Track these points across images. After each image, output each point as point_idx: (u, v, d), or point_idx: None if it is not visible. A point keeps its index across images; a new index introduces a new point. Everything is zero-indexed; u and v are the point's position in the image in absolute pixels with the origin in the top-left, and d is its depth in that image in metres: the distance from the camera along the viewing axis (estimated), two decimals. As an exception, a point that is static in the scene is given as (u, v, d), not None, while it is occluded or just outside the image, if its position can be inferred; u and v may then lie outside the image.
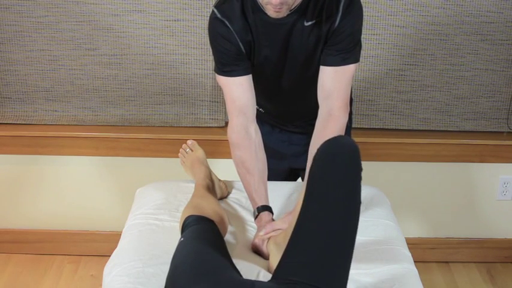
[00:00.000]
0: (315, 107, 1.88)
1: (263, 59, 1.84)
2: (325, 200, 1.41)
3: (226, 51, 1.81)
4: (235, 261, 1.61)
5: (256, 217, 1.82)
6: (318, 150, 1.45)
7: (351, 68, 1.80)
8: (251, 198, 1.84)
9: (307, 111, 2.01)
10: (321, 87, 1.82)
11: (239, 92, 1.83)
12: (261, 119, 2.04)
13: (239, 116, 1.84)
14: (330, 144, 1.44)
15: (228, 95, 1.85)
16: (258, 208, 1.81)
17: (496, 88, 2.75)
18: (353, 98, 2.16)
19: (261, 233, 1.75)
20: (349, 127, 2.16)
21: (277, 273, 1.46)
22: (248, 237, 1.83)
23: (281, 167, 2.20)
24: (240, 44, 1.79)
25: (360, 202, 1.43)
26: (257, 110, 1.96)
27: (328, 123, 1.81)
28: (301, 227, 1.42)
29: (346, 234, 1.41)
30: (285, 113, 2.09)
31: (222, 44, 1.81)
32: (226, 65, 1.82)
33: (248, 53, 1.82)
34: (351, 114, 2.10)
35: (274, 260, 1.60)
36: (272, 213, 1.82)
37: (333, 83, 1.80)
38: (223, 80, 1.84)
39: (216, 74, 1.86)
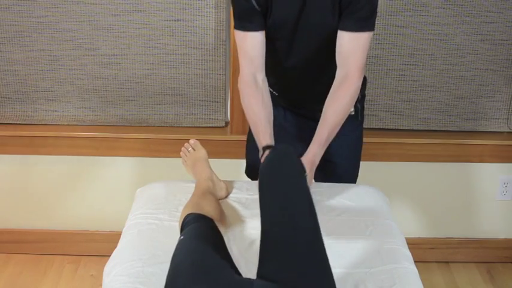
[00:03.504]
0: (324, 86, 1.96)
1: (278, 19, 1.91)
2: (275, 205, 1.54)
3: (241, 8, 1.92)
4: (234, 260, 1.61)
5: (262, 156, 1.91)
6: (261, 165, 1.62)
7: (367, 35, 1.90)
8: (258, 139, 1.95)
9: (317, 89, 2.03)
10: (338, 52, 1.92)
11: (251, 44, 1.95)
12: (274, 102, 2.06)
13: (249, 65, 1.95)
14: (268, 155, 1.65)
15: (242, 48, 1.96)
16: (263, 147, 1.90)
17: (496, 88, 2.75)
18: (367, 77, 2.22)
19: None
20: (360, 122, 2.22)
21: (260, 273, 1.50)
22: (248, 236, 1.83)
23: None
24: (254, 2, 1.89)
25: (310, 197, 1.54)
26: (270, 92, 2.04)
27: (342, 85, 1.92)
28: (264, 234, 1.51)
29: (307, 230, 1.49)
30: (296, 91, 2.10)
31: (239, 1, 1.93)
32: (242, 21, 1.94)
33: (264, 11, 1.92)
34: (363, 98, 2.18)
35: None
36: None
37: (349, 48, 1.90)
38: (239, 35, 1.96)
39: (234, 30, 1.98)
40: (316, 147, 1.92)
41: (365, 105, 2.75)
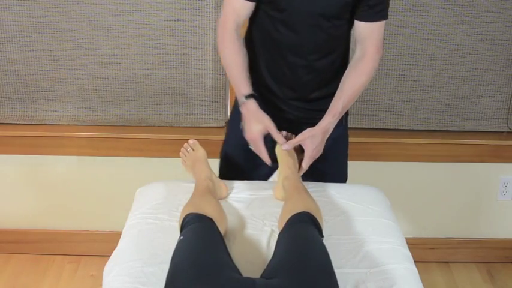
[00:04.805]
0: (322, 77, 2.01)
1: None
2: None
3: None
4: (234, 259, 1.61)
5: (242, 104, 1.96)
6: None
7: (382, 23, 1.97)
8: (237, 88, 1.98)
9: (313, 81, 2.04)
10: (355, 37, 2.00)
11: (240, 3, 1.96)
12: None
13: (234, 16, 1.96)
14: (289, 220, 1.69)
15: (229, 4, 1.97)
16: (245, 96, 1.94)
17: (496, 88, 2.75)
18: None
19: (285, 145, 1.94)
20: (345, 127, 2.21)
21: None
22: (248, 236, 1.83)
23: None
24: None
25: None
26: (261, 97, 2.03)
27: (360, 62, 1.97)
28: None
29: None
30: (290, 82, 2.08)
31: None
32: None
33: None
34: None
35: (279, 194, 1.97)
36: (257, 101, 1.95)
37: (366, 33, 1.96)
38: None
39: None
40: (330, 117, 1.96)
41: (365, 106, 2.77)
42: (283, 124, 2.04)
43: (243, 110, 1.97)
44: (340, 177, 2.28)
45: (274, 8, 1.94)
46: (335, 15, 1.93)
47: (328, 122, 1.95)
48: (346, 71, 2.00)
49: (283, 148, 1.95)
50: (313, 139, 1.93)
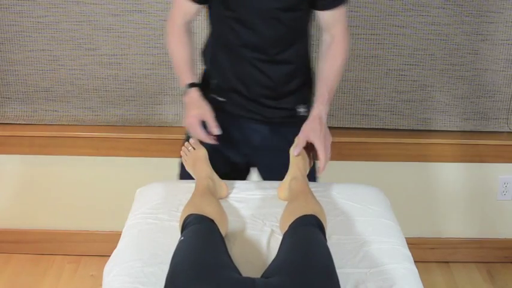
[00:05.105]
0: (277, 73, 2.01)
1: None
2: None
3: None
4: (235, 260, 1.61)
5: (185, 93, 2.02)
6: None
7: (344, 7, 2.00)
8: (181, 78, 2.05)
9: (279, 75, 2.03)
10: (320, 25, 2.02)
11: (187, 4, 2.00)
12: (221, 108, 2.07)
13: (182, 15, 2.03)
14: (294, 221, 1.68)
15: (177, 3, 2.02)
16: (188, 85, 2.01)
17: (496, 88, 2.75)
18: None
19: (295, 150, 1.94)
20: None
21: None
22: (248, 236, 1.83)
23: (238, 161, 2.21)
24: None
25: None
26: (215, 98, 2.06)
27: (332, 47, 2.00)
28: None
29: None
30: (256, 80, 2.06)
31: None
32: None
33: None
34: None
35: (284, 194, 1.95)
36: (200, 91, 2.01)
37: (331, 20, 2.00)
38: None
39: None
40: (319, 104, 1.96)
41: (365, 106, 2.77)
42: (255, 126, 2.08)
43: (186, 98, 2.02)
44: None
45: (227, 8, 1.94)
46: (292, 6, 1.94)
47: (318, 109, 1.96)
48: (320, 59, 2.03)
49: (295, 154, 1.95)
50: (314, 130, 1.92)
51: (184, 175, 2.18)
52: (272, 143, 2.13)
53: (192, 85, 2.01)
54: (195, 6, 2.00)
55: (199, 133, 1.97)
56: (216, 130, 1.95)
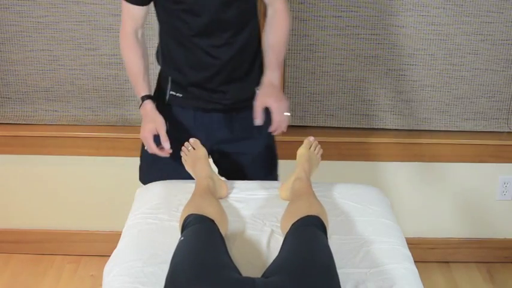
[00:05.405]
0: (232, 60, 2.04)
1: None
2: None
3: None
4: (235, 260, 1.61)
5: (140, 106, 2.07)
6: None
7: None
8: (136, 90, 2.09)
9: (234, 58, 2.05)
10: (265, 1, 2.07)
11: (136, 8, 2.02)
12: (181, 104, 2.13)
13: (132, 23, 2.03)
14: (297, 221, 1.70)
15: (125, 9, 2.03)
16: (142, 97, 2.05)
17: (496, 88, 2.75)
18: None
19: (256, 120, 1.97)
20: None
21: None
22: (248, 236, 1.83)
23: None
24: None
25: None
26: (174, 95, 2.11)
27: (275, 17, 2.05)
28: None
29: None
30: (211, 67, 2.08)
31: None
32: None
33: None
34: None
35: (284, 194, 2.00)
36: (154, 102, 2.06)
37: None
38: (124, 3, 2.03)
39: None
40: (269, 71, 2.03)
41: (365, 106, 2.77)
42: (217, 116, 2.12)
43: (142, 110, 2.07)
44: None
45: (174, 1, 1.96)
46: None
47: (269, 75, 2.02)
48: (265, 28, 2.06)
49: (256, 124, 1.98)
50: (268, 95, 1.97)
51: (144, 177, 2.26)
52: (234, 133, 2.18)
53: (146, 97, 2.05)
54: (142, 9, 2.02)
55: (152, 147, 2.02)
56: (166, 144, 2.00)
